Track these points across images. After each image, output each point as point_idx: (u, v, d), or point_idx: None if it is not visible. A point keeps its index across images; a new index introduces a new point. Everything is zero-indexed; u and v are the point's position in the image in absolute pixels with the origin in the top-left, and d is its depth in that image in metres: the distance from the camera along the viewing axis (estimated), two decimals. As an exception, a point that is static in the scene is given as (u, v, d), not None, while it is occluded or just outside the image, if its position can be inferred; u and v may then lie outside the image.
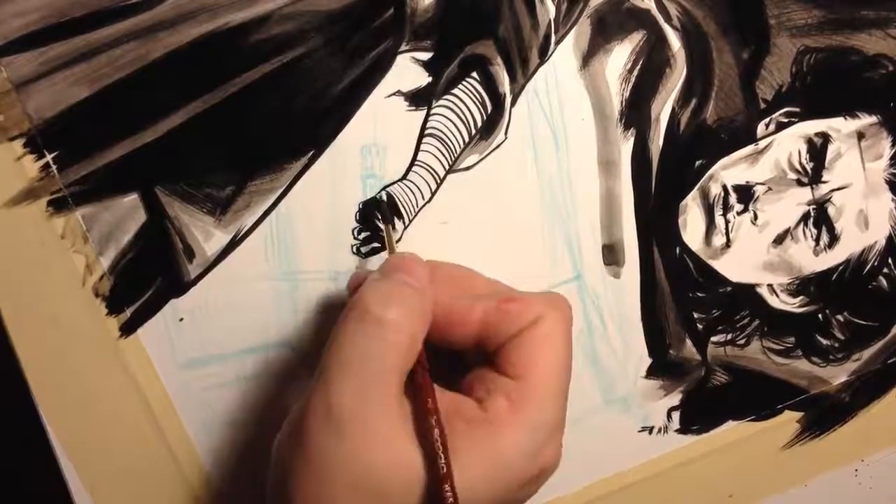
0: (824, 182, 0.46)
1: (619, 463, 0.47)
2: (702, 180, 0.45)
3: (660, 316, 0.46)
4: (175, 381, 0.42)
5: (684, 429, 0.48)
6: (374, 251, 0.42)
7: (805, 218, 0.46)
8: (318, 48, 0.40)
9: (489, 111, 0.43)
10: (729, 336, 0.47)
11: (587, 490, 0.47)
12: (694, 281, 0.46)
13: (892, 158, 0.47)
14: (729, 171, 0.45)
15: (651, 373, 0.47)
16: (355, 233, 0.42)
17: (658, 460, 0.47)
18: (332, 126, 0.41)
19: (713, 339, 0.47)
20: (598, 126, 0.44)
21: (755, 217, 0.46)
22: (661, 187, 0.45)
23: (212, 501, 0.43)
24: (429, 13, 0.41)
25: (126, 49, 0.39)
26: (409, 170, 0.42)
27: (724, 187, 0.45)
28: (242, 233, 0.41)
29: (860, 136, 0.46)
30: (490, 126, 0.43)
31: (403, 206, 0.42)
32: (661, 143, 0.45)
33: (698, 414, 0.47)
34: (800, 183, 0.46)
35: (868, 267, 0.48)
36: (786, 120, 0.46)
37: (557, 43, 0.43)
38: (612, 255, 0.45)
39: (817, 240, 0.47)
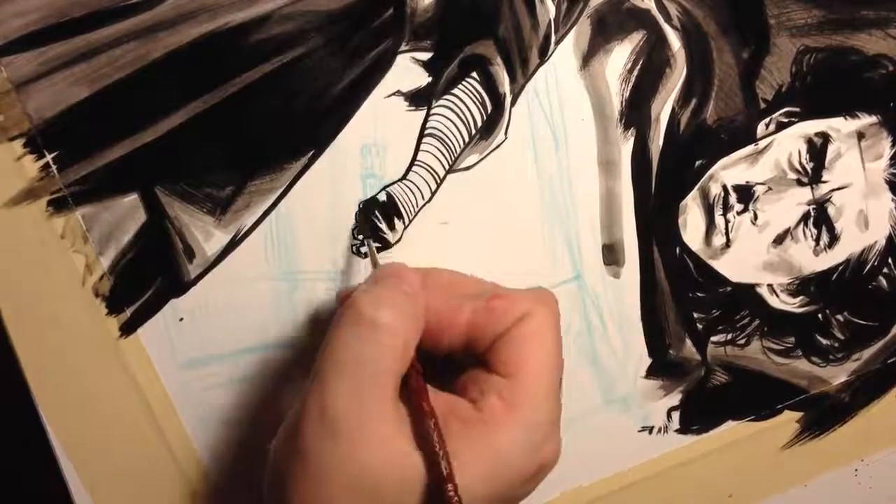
0: (824, 182, 0.46)
1: (619, 463, 0.47)
2: (702, 180, 0.45)
3: (660, 316, 0.46)
4: (175, 381, 0.42)
5: (684, 429, 0.48)
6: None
7: (805, 218, 0.46)
8: (318, 48, 0.40)
9: (489, 111, 0.43)
10: (729, 336, 0.47)
11: (587, 490, 0.47)
12: (694, 281, 0.46)
13: (892, 158, 0.47)
14: (729, 171, 0.45)
15: (651, 373, 0.47)
16: (355, 233, 0.42)
17: (658, 460, 0.47)
18: (332, 126, 0.41)
19: (713, 339, 0.47)
20: (598, 126, 0.44)
21: (755, 217, 0.46)
22: (661, 187, 0.45)
23: (211, 501, 0.43)
24: (429, 13, 0.41)
25: (126, 49, 0.39)
26: (409, 170, 0.42)
27: (724, 187, 0.45)
28: (242, 233, 0.41)
29: (860, 136, 0.46)
30: (490, 126, 0.43)
31: (403, 206, 0.42)
32: (661, 143, 0.45)
33: (698, 414, 0.47)
34: (800, 183, 0.46)
35: (868, 267, 0.48)
36: (786, 120, 0.46)
37: (557, 43, 0.43)
38: (611, 255, 0.45)
39: (817, 240, 0.47)
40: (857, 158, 0.46)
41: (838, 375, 0.49)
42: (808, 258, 0.47)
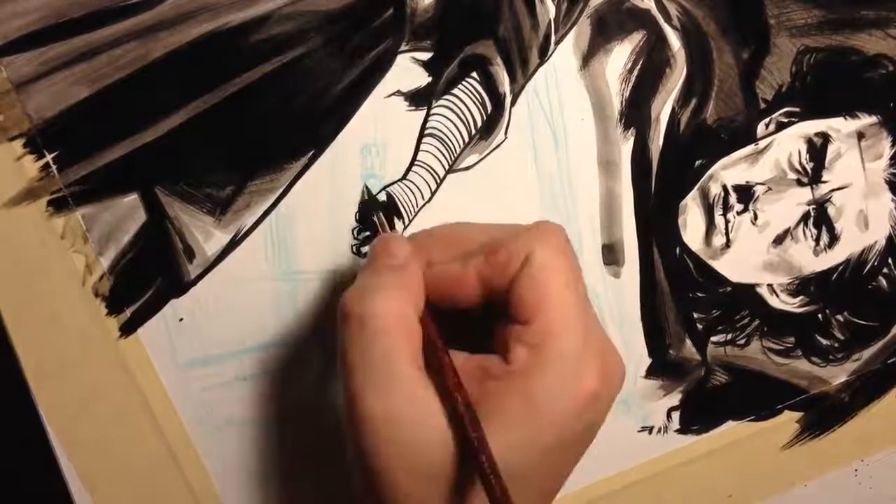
0: (824, 182, 0.46)
1: (619, 463, 0.47)
2: (702, 180, 0.45)
3: (660, 316, 0.46)
4: (175, 381, 0.42)
5: (684, 429, 0.48)
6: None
7: (805, 218, 0.46)
8: (317, 48, 0.40)
9: (489, 111, 0.43)
10: (729, 336, 0.47)
11: (587, 490, 0.47)
12: (694, 281, 0.46)
13: (892, 158, 0.47)
14: (729, 171, 0.45)
15: (651, 373, 0.47)
16: (355, 233, 0.42)
17: (658, 460, 0.47)
18: (332, 126, 0.41)
19: (713, 339, 0.47)
20: (598, 126, 0.44)
21: (755, 217, 0.46)
22: (661, 187, 0.45)
23: (211, 500, 0.43)
24: (429, 13, 0.41)
25: (126, 49, 0.39)
26: (409, 170, 0.42)
27: (724, 187, 0.45)
28: (242, 233, 0.41)
29: (860, 136, 0.46)
30: (490, 126, 0.43)
31: (403, 206, 0.42)
32: (661, 143, 0.45)
33: (698, 414, 0.47)
34: (800, 183, 0.46)
35: (868, 267, 0.48)
36: (786, 120, 0.46)
37: (557, 43, 0.43)
38: (611, 254, 0.45)
39: (817, 240, 0.47)
40: (857, 158, 0.46)
41: (838, 375, 0.49)
42: (808, 258, 0.47)
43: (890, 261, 0.48)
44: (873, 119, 0.46)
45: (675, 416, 0.47)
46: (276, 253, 0.41)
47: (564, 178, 0.44)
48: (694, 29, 0.44)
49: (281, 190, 0.41)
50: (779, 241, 0.46)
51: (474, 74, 0.42)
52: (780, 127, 0.46)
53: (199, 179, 0.40)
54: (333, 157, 0.41)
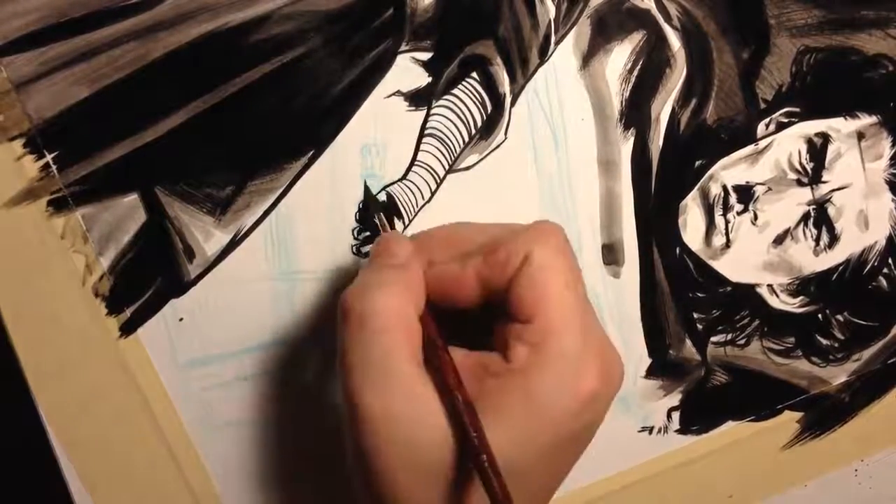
0: (824, 182, 0.46)
1: (619, 463, 0.47)
2: (702, 180, 0.45)
3: (660, 316, 0.46)
4: (175, 381, 0.42)
5: (684, 429, 0.48)
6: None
7: (805, 218, 0.46)
8: (317, 48, 0.40)
9: (489, 111, 0.43)
10: (729, 336, 0.47)
11: (587, 490, 0.47)
12: (694, 281, 0.46)
13: (892, 158, 0.47)
14: (729, 171, 0.45)
15: (651, 373, 0.47)
16: (355, 233, 0.42)
17: (658, 460, 0.47)
18: (332, 126, 0.41)
19: (713, 339, 0.47)
20: (598, 126, 0.44)
21: (755, 217, 0.46)
22: (661, 187, 0.45)
23: (211, 500, 0.43)
24: (429, 13, 0.41)
25: (126, 49, 0.39)
26: (408, 170, 0.42)
27: (724, 187, 0.45)
28: (242, 233, 0.41)
29: (860, 136, 0.46)
30: (490, 126, 0.43)
31: (403, 206, 0.42)
32: (661, 143, 0.45)
33: (698, 414, 0.47)
34: (800, 183, 0.46)
35: (868, 267, 0.48)
36: (786, 120, 0.46)
37: (557, 43, 0.43)
38: (611, 254, 0.45)
39: (817, 240, 0.47)
40: (857, 158, 0.46)
41: (838, 375, 0.49)
42: (808, 258, 0.47)
43: (890, 261, 0.48)
44: (873, 119, 0.46)
45: (675, 416, 0.47)
46: (276, 253, 0.41)
47: (564, 178, 0.44)
48: (694, 29, 0.44)
49: (281, 190, 0.41)
50: (779, 241, 0.46)
51: (474, 74, 0.42)
52: (780, 127, 0.46)
53: (199, 179, 0.40)
54: (333, 157, 0.41)
